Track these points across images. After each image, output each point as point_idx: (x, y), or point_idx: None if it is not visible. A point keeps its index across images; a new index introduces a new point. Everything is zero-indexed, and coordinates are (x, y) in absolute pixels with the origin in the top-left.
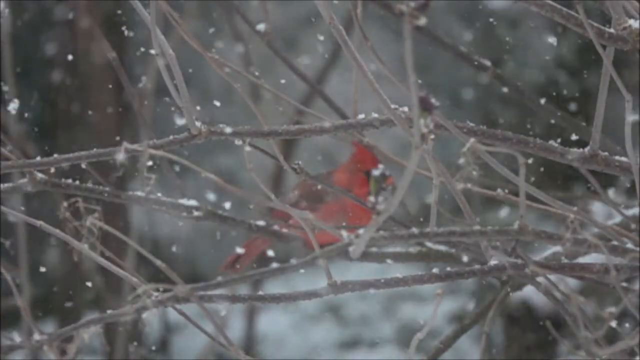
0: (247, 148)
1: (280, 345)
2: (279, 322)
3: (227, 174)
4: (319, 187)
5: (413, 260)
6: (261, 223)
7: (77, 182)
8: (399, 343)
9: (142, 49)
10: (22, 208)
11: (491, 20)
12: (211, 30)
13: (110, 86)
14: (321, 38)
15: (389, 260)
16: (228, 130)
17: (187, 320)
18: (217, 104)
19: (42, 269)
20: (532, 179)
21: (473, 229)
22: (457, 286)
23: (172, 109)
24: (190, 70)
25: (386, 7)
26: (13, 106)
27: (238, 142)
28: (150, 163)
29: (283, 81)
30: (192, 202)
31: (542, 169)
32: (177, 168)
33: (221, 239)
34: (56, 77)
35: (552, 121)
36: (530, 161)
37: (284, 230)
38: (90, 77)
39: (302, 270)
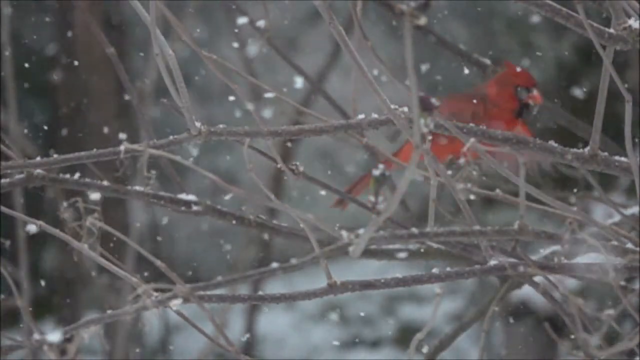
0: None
1: (280, 345)
2: (279, 322)
3: (227, 174)
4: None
5: (412, 259)
6: (261, 218)
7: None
8: (399, 343)
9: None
10: (22, 208)
11: (491, 20)
12: (211, 31)
13: (111, 85)
14: (321, 38)
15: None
16: (227, 130)
17: (186, 321)
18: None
19: (42, 269)
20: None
21: (473, 229)
22: (457, 286)
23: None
24: (190, 71)
25: (386, 7)
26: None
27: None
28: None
29: (282, 82)
30: (191, 197)
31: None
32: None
33: (221, 239)
34: (56, 76)
35: (552, 121)
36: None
37: None
38: (91, 76)
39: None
